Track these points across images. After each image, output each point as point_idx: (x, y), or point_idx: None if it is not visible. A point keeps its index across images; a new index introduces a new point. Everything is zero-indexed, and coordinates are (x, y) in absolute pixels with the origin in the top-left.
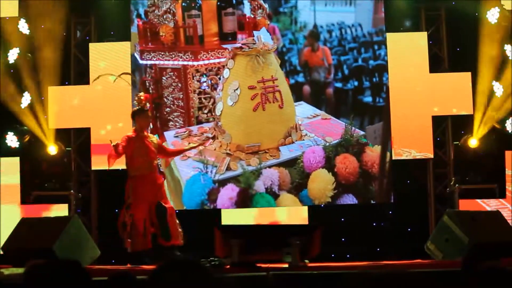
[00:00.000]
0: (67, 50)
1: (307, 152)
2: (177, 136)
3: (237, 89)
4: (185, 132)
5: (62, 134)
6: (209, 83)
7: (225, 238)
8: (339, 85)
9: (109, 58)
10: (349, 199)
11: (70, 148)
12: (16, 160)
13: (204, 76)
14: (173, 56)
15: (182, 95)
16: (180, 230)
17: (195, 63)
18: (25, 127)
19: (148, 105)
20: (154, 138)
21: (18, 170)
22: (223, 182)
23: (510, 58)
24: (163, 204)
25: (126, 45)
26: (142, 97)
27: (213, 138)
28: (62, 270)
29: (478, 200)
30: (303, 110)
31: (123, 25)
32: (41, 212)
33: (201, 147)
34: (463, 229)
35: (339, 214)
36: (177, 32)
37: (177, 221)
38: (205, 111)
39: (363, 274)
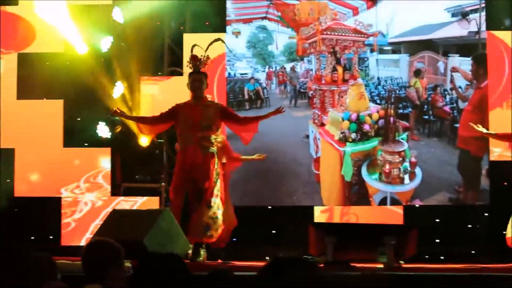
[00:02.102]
0: (161, 40)
1: None
2: None
3: None
4: None
5: None
6: None
7: (319, 236)
8: None
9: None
10: (444, 200)
11: (162, 140)
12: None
13: None
14: None
15: None
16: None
17: None
18: (117, 118)
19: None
20: (217, 105)
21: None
22: None
23: None
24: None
25: (221, 37)
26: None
27: None
28: (164, 264)
29: None
30: None
31: (219, 16)
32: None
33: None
34: None
35: (434, 215)
36: None
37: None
38: None
39: None
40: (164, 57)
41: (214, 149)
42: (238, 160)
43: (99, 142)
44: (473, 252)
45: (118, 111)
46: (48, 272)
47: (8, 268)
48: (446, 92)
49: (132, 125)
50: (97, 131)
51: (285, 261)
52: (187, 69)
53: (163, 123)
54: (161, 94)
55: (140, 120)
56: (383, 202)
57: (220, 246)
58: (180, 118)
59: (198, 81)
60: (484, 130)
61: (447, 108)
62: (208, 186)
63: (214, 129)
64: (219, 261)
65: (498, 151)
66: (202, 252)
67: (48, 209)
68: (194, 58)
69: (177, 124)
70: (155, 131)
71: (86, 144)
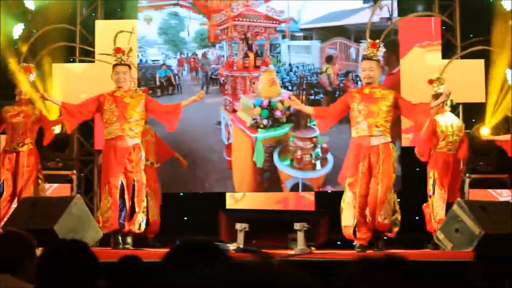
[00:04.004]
0: (73, 27)
1: None
2: None
3: None
4: None
5: None
6: None
7: (230, 222)
8: None
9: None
10: None
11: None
12: None
13: None
14: None
15: None
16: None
17: None
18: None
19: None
20: (141, 96)
21: None
22: None
23: None
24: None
25: (133, 23)
26: (113, 50)
27: None
28: (68, 251)
29: (490, 190)
30: None
31: (130, 3)
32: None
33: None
34: (474, 219)
35: None
36: None
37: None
38: None
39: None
40: (76, 44)
41: (140, 139)
42: (178, 109)
43: None
44: (385, 238)
45: (45, 95)
46: None
47: None
48: (358, 78)
49: (46, 112)
50: None
51: (192, 246)
52: (99, 56)
53: (89, 112)
54: (73, 81)
55: (66, 106)
56: (295, 188)
57: (148, 236)
58: (105, 109)
59: (123, 73)
60: (298, 106)
61: None
62: (139, 178)
63: (140, 120)
64: (131, 248)
65: (409, 137)
66: (130, 239)
67: None
68: (118, 50)
69: (102, 115)
70: (81, 119)
71: None
